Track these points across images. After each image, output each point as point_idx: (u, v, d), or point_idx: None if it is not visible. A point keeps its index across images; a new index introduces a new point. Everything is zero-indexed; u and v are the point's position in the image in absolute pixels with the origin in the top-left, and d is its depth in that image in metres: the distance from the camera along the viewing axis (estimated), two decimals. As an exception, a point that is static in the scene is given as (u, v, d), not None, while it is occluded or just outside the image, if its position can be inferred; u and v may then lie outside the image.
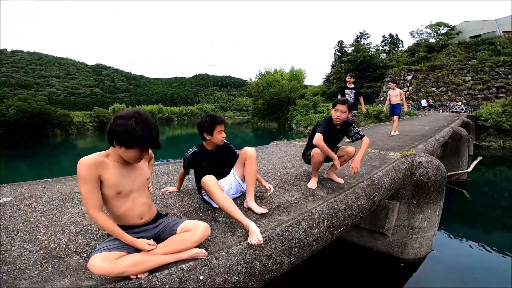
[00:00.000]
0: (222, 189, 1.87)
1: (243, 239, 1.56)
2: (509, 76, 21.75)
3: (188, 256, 1.35)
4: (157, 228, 1.46)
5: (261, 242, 1.52)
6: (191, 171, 2.31)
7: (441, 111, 21.89)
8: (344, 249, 4.07)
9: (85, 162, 1.24)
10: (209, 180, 1.82)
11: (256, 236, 1.53)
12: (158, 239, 1.41)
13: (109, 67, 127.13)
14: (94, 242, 1.55)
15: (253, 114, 43.66)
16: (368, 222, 3.77)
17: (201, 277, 1.28)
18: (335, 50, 41.70)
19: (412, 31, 35.20)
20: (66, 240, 1.55)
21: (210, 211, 2.01)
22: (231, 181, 2.20)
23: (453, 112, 20.40)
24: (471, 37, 29.15)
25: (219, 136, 2.12)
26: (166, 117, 69.64)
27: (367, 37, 40.01)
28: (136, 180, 1.39)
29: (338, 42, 41.80)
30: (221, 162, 2.27)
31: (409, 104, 24.21)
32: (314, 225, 1.84)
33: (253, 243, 1.51)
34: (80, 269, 1.29)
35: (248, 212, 1.96)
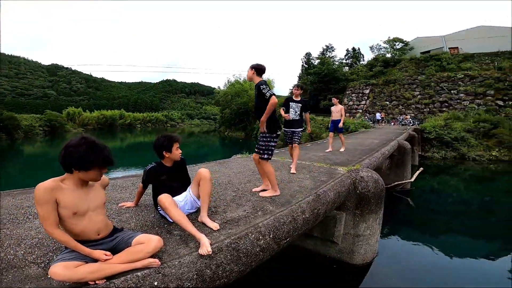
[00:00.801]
0: (177, 205, 2.06)
1: (195, 250, 1.76)
2: (452, 91, 24.42)
3: (142, 265, 1.53)
4: (113, 242, 1.62)
5: (210, 252, 1.73)
6: (150, 186, 2.46)
7: (392, 124, 23.89)
8: (302, 257, 4.39)
9: (41, 188, 1.40)
10: (164, 197, 2.02)
11: (206, 247, 1.74)
12: (115, 251, 1.57)
13: (66, 68, 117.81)
14: (50, 254, 1.67)
15: (220, 123, 43.44)
16: (319, 232, 4.14)
17: (155, 283, 1.45)
18: (302, 62, 43.59)
19: (372, 46, 38.15)
20: (22, 252, 1.65)
21: (166, 225, 2.18)
22: (186, 197, 2.40)
23: (402, 125, 22.41)
24: (421, 53, 31.69)
25: (177, 152, 2.40)
26: (128, 123, 66.73)
27: (332, 50, 42.41)
28: (92, 201, 1.56)
29: (306, 54, 43.88)
30: (179, 176, 2.50)
31: (366, 117, 26.16)
32: (261, 237, 2.09)
33: (203, 254, 1.72)
34: (39, 277, 1.42)
35: (202, 226, 2.16)
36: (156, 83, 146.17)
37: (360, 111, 28.67)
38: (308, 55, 43.39)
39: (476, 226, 6.64)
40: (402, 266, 4.54)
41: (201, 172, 2.27)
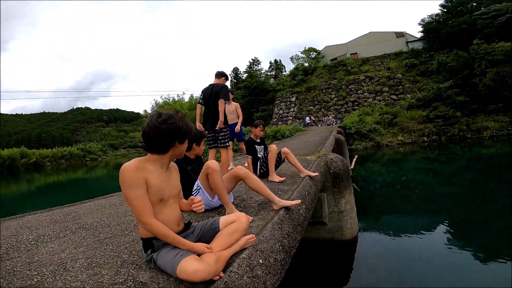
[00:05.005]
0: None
1: (262, 225, 1.79)
2: (358, 91, 29.08)
3: (241, 246, 1.44)
4: (195, 233, 1.47)
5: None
6: None
7: (319, 125, 26.71)
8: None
9: (131, 166, 1.20)
10: (213, 161, 2.03)
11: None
12: (200, 241, 1.41)
13: None
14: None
15: None
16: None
17: (260, 261, 1.40)
18: (231, 77, 44.53)
19: (292, 57, 41.49)
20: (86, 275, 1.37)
21: (217, 215, 2.11)
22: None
23: (327, 125, 25.34)
24: (331, 60, 36.10)
25: (202, 147, 2.45)
26: (33, 162, 55.96)
27: (259, 63, 44.71)
28: (173, 187, 1.40)
29: (233, 69, 44.75)
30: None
31: (296, 122, 28.54)
32: (298, 207, 2.25)
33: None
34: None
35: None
36: (64, 112, 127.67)
37: (290, 118, 31.09)
38: (235, 69, 44.66)
39: (405, 203, 7.68)
40: (386, 239, 5.17)
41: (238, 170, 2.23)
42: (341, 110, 29.01)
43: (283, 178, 3.35)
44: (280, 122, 30.75)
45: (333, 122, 26.07)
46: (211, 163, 2.00)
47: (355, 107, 27.99)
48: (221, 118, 3.75)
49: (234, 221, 1.46)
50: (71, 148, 69.68)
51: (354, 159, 12.05)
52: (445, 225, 5.68)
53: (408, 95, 26.19)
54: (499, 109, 19.65)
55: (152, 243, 1.28)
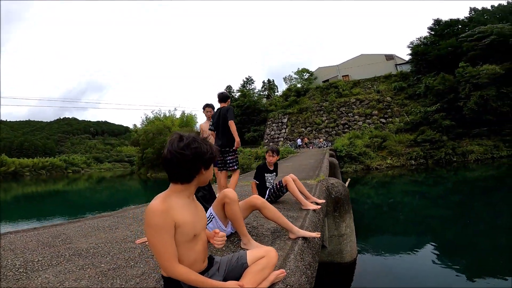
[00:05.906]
0: None
1: (282, 257, 1.66)
2: (349, 114, 29.51)
3: (270, 282, 1.33)
4: (220, 271, 1.33)
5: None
6: None
7: (311, 147, 26.84)
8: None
9: (158, 209, 1.06)
10: (233, 191, 1.91)
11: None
12: (226, 279, 1.30)
13: None
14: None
15: (140, 164, 38.91)
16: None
17: None
18: (224, 96, 44.41)
19: (285, 77, 41.72)
20: None
21: (230, 245, 1.98)
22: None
23: (319, 147, 25.50)
24: (323, 82, 36.40)
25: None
26: (12, 171, 53.66)
27: (252, 83, 44.88)
28: (202, 217, 1.27)
29: (226, 87, 44.82)
30: (212, 197, 2.30)
31: (287, 144, 28.60)
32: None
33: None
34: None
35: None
36: (50, 122, 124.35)
37: (282, 139, 31.19)
38: (228, 88, 44.91)
39: (395, 225, 7.79)
40: (382, 261, 5.18)
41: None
42: (332, 132, 29.36)
43: (322, 201, 3.47)
44: (271, 143, 30.76)
45: (324, 144, 26.30)
46: (228, 192, 1.89)
47: (346, 130, 28.36)
48: (237, 138, 3.83)
49: (262, 257, 1.35)
50: (53, 159, 67.34)
51: (347, 182, 12.07)
52: (434, 245, 5.91)
53: (396, 118, 26.90)
54: (483, 133, 20.36)
55: (177, 284, 1.13)
